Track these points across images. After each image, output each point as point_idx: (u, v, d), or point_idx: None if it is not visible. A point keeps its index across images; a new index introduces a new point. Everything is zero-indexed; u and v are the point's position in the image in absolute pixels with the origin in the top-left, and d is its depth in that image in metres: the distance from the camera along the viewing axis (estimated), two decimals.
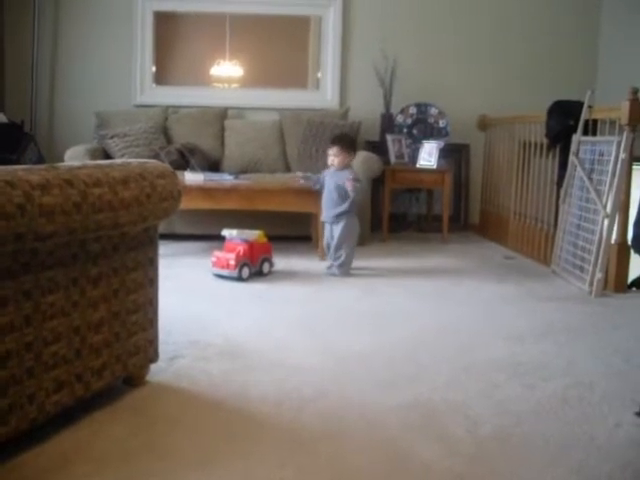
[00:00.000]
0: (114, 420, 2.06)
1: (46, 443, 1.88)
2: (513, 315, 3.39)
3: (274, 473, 1.77)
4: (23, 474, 1.73)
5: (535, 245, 4.91)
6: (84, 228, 1.86)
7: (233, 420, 2.09)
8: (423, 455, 1.88)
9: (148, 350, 2.31)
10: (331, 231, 4.29)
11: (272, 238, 4.26)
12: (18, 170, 1.73)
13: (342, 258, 4.22)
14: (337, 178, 4.23)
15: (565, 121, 4.46)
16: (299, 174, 5.10)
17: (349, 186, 4.15)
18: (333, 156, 4.25)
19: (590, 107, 4.32)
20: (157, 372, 2.42)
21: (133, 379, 2.30)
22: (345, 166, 4.27)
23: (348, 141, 4.36)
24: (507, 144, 5.68)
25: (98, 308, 2.03)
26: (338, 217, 4.24)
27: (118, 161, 2.15)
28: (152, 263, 2.29)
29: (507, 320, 3.30)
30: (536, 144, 5.05)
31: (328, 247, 4.33)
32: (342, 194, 4.23)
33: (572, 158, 4.33)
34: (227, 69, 6.36)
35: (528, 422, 2.12)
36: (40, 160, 5.39)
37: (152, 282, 2.30)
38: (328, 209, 4.29)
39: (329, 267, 4.28)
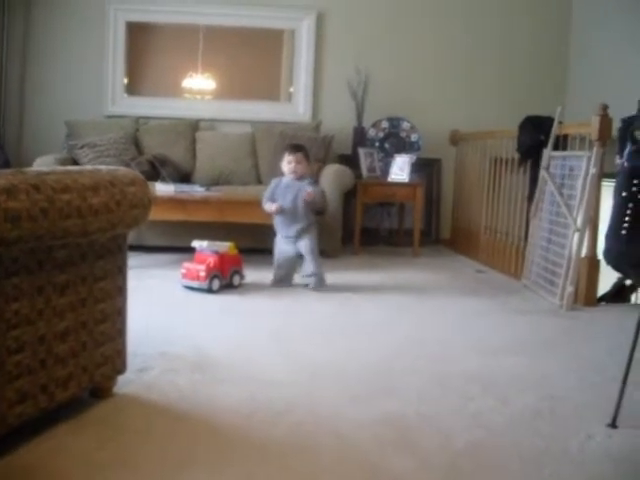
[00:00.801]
0: (79, 432, 2.01)
1: (7, 456, 1.81)
2: (486, 328, 3.39)
3: None
4: None
5: (506, 259, 4.93)
6: (51, 235, 1.81)
7: (202, 433, 2.05)
8: (396, 469, 1.85)
9: (116, 361, 2.25)
10: (295, 248, 4.07)
11: (243, 250, 4.21)
12: None
13: (318, 270, 4.07)
14: (296, 188, 4.03)
15: (536, 136, 4.49)
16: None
17: (308, 196, 3.98)
18: (296, 163, 4.04)
19: (560, 123, 4.36)
20: (125, 384, 2.36)
21: (100, 391, 2.24)
22: (305, 175, 4.11)
23: (307, 150, 4.22)
24: (478, 159, 5.71)
25: (65, 317, 1.98)
26: (304, 231, 4.06)
27: (88, 167, 2.11)
28: (121, 272, 2.25)
29: (480, 333, 3.29)
30: (507, 160, 5.08)
31: (283, 267, 4.10)
32: (304, 204, 4.06)
33: (543, 173, 4.36)
34: (199, 82, 6.32)
35: (501, 435, 2.11)
36: (7, 165, 5.30)
37: (121, 291, 2.25)
38: (289, 224, 4.06)
39: (308, 284, 4.08)
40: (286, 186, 4.06)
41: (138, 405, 2.25)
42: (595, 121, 3.88)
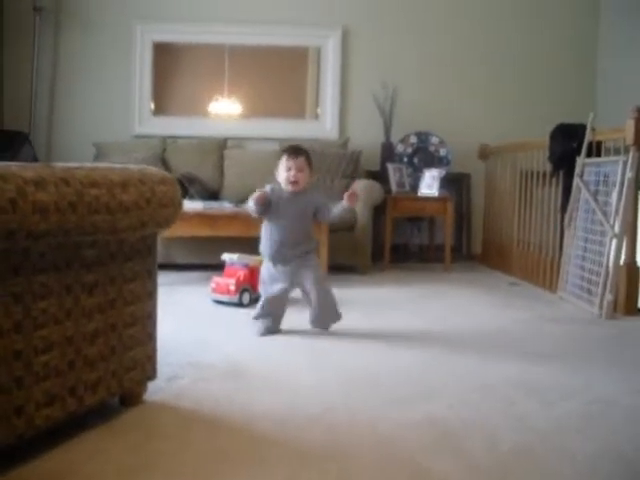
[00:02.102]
0: (109, 438, 1.94)
1: (36, 461, 1.75)
2: (523, 337, 3.29)
3: None
4: None
5: (540, 272, 4.81)
6: (80, 229, 1.76)
7: (237, 439, 1.97)
8: (440, 472, 1.76)
9: (146, 366, 2.19)
10: (292, 277, 3.24)
11: None
12: (12, 165, 1.64)
13: (332, 299, 3.30)
14: (300, 202, 3.23)
15: (568, 144, 4.40)
16: None
17: (352, 201, 3.21)
18: (296, 171, 3.17)
19: (593, 129, 4.27)
20: (155, 391, 2.30)
21: (130, 397, 2.18)
22: (307, 186, 3.28)
23: (309, 155, 3.29)
24: (509, 173, 5.62)
25: (93, 318, 1.92)
26: (305, 256, 3.25)
27: (117, 165, 2.06)
28: (151, 275, 2.19)
29: (517, 342, 3.18)
30: (538, 173, 4.99)
31: (272, 313, 3.25)
32: (308, 224, 3.29)
33: (576, 181, 4.26)
34: (225, 105, 6.31)
35: (550, 439, 2.00)
36: (35, 161, 5.29)
37: (151, 295, 2.19)
38: (284, 246, 3.21)
39: (314, 323, 3.32)
40: (288, 200, 3.23)
41: (170, 412, 2.18)
42: (630, 124, 3.79)
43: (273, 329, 3.24)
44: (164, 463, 1.79)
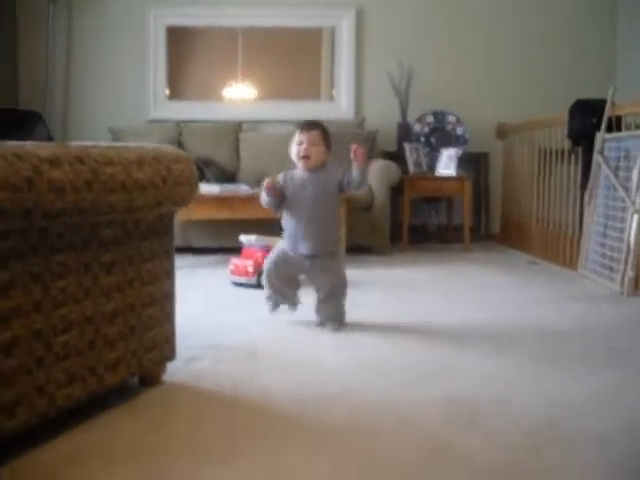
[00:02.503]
0: (129, 417, 1.94)
1: (57, 439, 1.76)
2: (545, 314, 3.25)
3: (303, 465, 1.64)
4: (32, 470, 1.60)
5: (560, 250, 4.77)
6: (96, 208, 1.76)
7: (256, 417, 1.96)
8: (464, 447, 1.74)
9: (165, 347, 2.18)
10: (309, 270, 2.94)
11: None
12: (26, 144, 1.63)
13: (340, 307, 2.98)
14: (318, 182, 2.86)
15: (587, 120, 4.34)
16: None
17: (358, 156, 2.77)
18: (309, 145, 2.81)
19: (613, 104, 4.20)
20: (174, 372, 2.29)
21: (149, 378, 2.17)
22: (324, 164, 2.90)
23: (326, 130, 2.94)
24: (527, 151, 5.56)
25: (112, 298, 1.92)
26: (329, 258, 2.92)
27: (131, 144, 2.05)
28: (168, 255, 2.18)
29: (538, 319, 3.15)
30: (557, 150, 4.93)
31: (287, 296, 3.04)
32: (330, 208, 2.92)
33: (596, 157, 4.20)
34: (240, 88, 6.28)
35: (581, 413, 1.98)
36: (49, 140, 5.28)
37: (169, 274, 2.19)
38: (307, 236, 2.87)
39: (320, 323, 2.99)
40: (303, 181, 2.87)
41: (189, 392, 2.18)
42: None
43: (285, 302, 3.05)
44: (183, 441, 1.78)
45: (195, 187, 2.16)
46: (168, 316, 2.19)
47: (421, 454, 1.71)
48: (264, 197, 2.92)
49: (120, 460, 1.66)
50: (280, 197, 2.91)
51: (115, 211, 1.83)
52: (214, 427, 1.88)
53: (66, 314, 1.75)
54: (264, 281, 3.05)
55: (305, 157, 2.85)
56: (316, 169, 2.88)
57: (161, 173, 1.98)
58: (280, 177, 2.94)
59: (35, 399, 1.66)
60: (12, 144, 1.58)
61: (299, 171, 2.91)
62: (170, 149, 2.12)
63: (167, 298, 2.18)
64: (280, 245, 3.01)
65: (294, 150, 2.89)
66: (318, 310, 2.99)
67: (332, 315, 2.95)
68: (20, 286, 1.61)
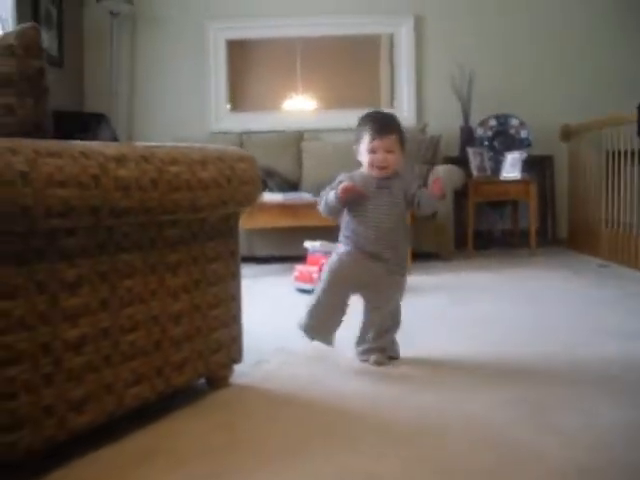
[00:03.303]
0: (197, 417, 1.93)
1: (125, 438, 1.75)
2: (618, 316, 3.13)
3: (374, 465, 1.60)
4: (101, 468, 1.60)
5: (632, 252, 4.61)
6: (161, 207, 1.75)
7: (325, 417, 1.93)
8: (535, 447, 1.67)
9: (231, 348, 2.17)
10: (376, 276, 2.43)
11: None
12: (93, 143, 1.64)
13: (390, 336, 2.51)
14: (392, 190, 2.42)
15: None
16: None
17: (437, 188, 2.37)
18: (385, 152, 2.38)
19: None
20: (242, 375, 2.28)
21: (216, 380, 2.16)
22: (399, 169, 2.47)
23: (402, 130, 2.48)
24: (594, 153, 5.41)
25: (178, 298, 1.91)
26: (398, 266, 2.46)
27: (195, 144, 2.05)
28: (234, 256, 2.17)
29: (612, 320, 3.04)
30: (625, 151, 4.79)
31: (327, 309, 2.50)
32: (402, 219, 2.48)
33: None
34: (300, 98, 6.31)
35: None
36: (114, 141, 5.37)
37: (234, 276, 2.18)
38: (380, 241, 2.41)
39: (364, 353, 2.49)
40: (375, 185, 2.42)
41: (257, 394, 2.15)
42: None
43: (325, 336, 2.54)
44: (251, 441, 1.76)
45: (259, 187, 2.15)
46: (234, 318, 2.18)
47: (493, 453, 1.65)
48: (333, 202, 2.42)
49: (188, 460, 1.64)
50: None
51: (180, 210, 1.83)
52: (281, 428, 1.85)
53: (133, 314, 1.75)
54: (309, 303, 2.53)
55: (382, 168, 2.40)
56: (389, 176, 2.42)
57: (225, 172, 1.97)
58: (345, 176, 2.48)
59: (103, 397, 1.66)
60: (79, 143, 1.60)
61: (369, 175, 2.43)
62: (234, 149, 2.12)
63: (233, 300, 2.17)
64: (339, 249, 2.50)
65: (366, 157, 2.42)
66: (365, 338, 2.50)
67: (386, 341, 2.48)
68: (87, 284, 1.62)
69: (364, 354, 2.49)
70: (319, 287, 2.49)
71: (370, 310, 2.50)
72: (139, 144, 1.81)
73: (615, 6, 6.05)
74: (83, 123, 5.07)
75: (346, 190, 2.36)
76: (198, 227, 1.99)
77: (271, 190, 5.16)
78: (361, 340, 2.51)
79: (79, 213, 1.53)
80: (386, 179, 2.42)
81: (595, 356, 2.46)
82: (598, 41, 6.06)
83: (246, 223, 4.49)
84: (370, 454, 1.66)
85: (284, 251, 5.06)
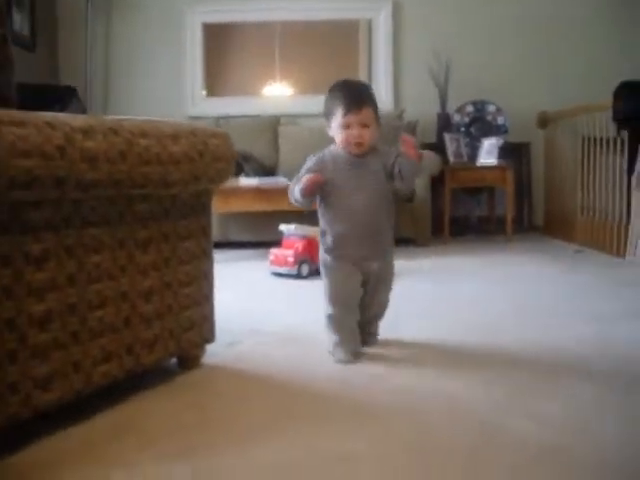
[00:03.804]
0: (167, 397, 1.90)
1: (94, 417, 1.72)
2: (594, 299, 3.13)
3: (343, 445, 1.57)
4: (70, 446, 1.56)
5: (607, 238, 4.63)
6: (130, 181, 1.72)
7: (297, 397, 1.90)
8: (513, 429, 1.65)
9: (203, 327, 2.14)
10: (363, 281, 2.27)
11: None
12: (59, 114, 1.60)
13: (379, 320, 2.43)
14: (370, 167, 2.21)
15: (634, 102, 4.21)
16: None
17: (408, 147, 2.14)
18: (359, 127, 2.16)
19: None
20: (213, 355, 2.25)
21: (188, 360, 2.13)
22: (375, 144, 2.24)
23: (375, 99, 2.25)
24: (570, 140, 5.42)
25: (148, 275, 1.88)
26: (384, 252, 2.30)
27: (167, 119, 2.01)
28: (206, 233, 2.14)
29: (588, 304, 3.03)
30: (601, 139, 4.80)
31: (348, 322, 2.27)
32: (385, 199, 2.25)
33: None
34: (278, 83, 6.26)
35: (633, 394, 1.88)
36: (84, 113, 5.26)
37: (206, 254, 2.14)
38: (356, 241, 2.22)
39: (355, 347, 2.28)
40: (349, 165, 2.21)
41: (229, 374, 2.13)
42: None
43: (357, 346, 2.31)
44: (221, 420, 1.73)
45: (232, 164, 2.11)
46: (206, 297, 2.15)
47: (469, 435, 1.63)
48: (297, 195, 2.23)
49: (158, 438, 1.61)
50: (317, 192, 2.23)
51: (150, 184, 1.79)
52: (252, 407, 1.83)
53: (101, 289, 1.71)
54: (327, 321, 2.29)
55: (358, 144, 2.18)
56: (366, 152, 2.21)
57: (197, 147, 1.94)
58: (314, 160, 2.28)
59: (71, 375, 1.63)
60: (44, 113, 1.55)
61: (343, 152, 2.23)
62: (206, 125, 2.08)
63: (205, 278, 2.14)
64: (323, 257, 2.28)
65: (339, 134, 2.20)
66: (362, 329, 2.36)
67: (376, 327, 2.44)
68: (54, 258, 1.58)
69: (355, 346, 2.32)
70: (329, 311, 2.26)
71: (363, 301, 2.32)
72: (107, 117, 1.77)
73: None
74: (51, 96, 4.92)
75: (310, 186, 2.16)
76: (169, 203, 1.96)
77: (247, 174, 5.11)
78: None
79: (44, 184, 1.49)
80: (361, 156, 2.21)
81: (572, 339, 2.45)
82: (576, 27, 6.04)
83: (221, 207, 4.45)
84: (341, 433, 1.64)
85: (260, 236, 5.02)
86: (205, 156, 1.96)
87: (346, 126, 2.19)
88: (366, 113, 2.18)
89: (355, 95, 2.21)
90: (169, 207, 1.96)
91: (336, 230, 2.23)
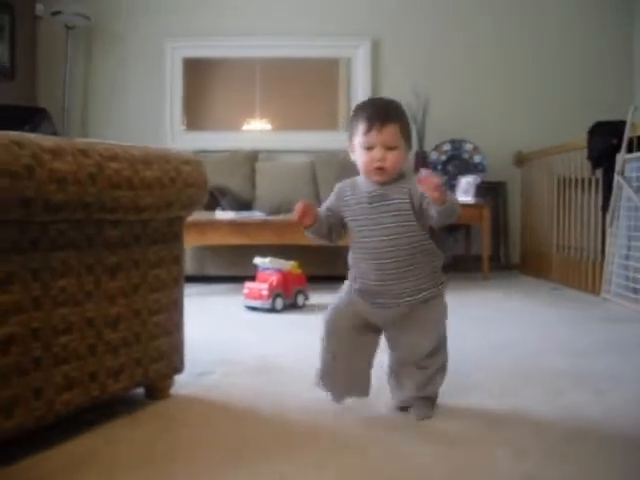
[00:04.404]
0: (136, 426, 1.85)
1: (57, 446, 1.67)
2: (570, 334, 3.13)
3: (313, 474, 1.54)
4: (29, 477, 1.51)
5: (582, 276, 4.65)
6: (100, 204, 1.69)
7: (265, 428, 1.86)
8: (489, 459, 1.63)
9: (172, 357, 2.09)
10: (391, 328, 1.97)
11: (308, 278, 3.99)
12: (29, 135, 1.58)
13: (434, 381, 1.97)
14: (394, 198, 1.87)
15: (607, 141, 4.26)
16: None
17: (428, 186, 1.73)
18: (383, 149, 1.84)
19: (633, 124, 4.12)
20: (184, 386, 2.20)
21: (156, 391, 2.08)
22: (401, 171, 1.91)
23: (406, 117, 1.92)
24: (546, 179, 5.48)
25: (115, 302, 1.84)
26: (411, 290, 1.91)
27: (138, 144, 1.99)
28: (178, 262, 2.11)
29: (564, 338, 3.04)
30: (576, 179, 4.86)
31: (353, 377, 2.01)
32: (415, 233, 1.88)
33: (617, 178, 4.11)
34: (257, 119, 6.29)
35: (602, 425, 1.87)
36: (55, 135, 5.22)
37: (177, 282, 2.11)
38: (382, 280, 1.90)
39: (402, 405, 1.99)
40: (371, 195, 1.89)
41: (198, 404, 2.08)
42: None
43: (355, 390, 2.02)
44: (188, 451, 1.69)
45: (204, 189, 2.09)
46: (176, 326, 2.11)
47: (444, 463, 1.60)
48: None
49: (122, 469, 1.57)
50: (323, 221, 1.97)
51: (121, 209, 1.77)
52: (221, 437, 1.79)
53: (67, 314, 1.67)
54: (321, 351, 2.02)
55: (380, 170, 1.85)
56: (389, 181, 1.89)
57: (169, 173, 1.92)
58: (335, 190, 2.01)
59: (32, 401, 1.58)
60: (13, 132, 1.53)
61: (365, 181, 1.93)
62: (179, 151, 2.06)
63: (175, 307, 2.10)
64: (345, 289, 2.02)
65: (361, 157, 1.88)
66: (396, 379, 2.01)
67: (429, 389, 1.96)
68: (19, 281, 1.54)
69: (402, 400, 1.99)
70: (320, 344, 2.02)
71: (393, 353, 2.00)
72: (78, 139, 1.75)
73: (569, 34, 6.16)
74: (22, 117, 4.86)
75: (300, 218, 1.94)
76: (140, 229, 1.93)
77: (224, 209, 5.09)
78: (395, 377, 2.01)
79: (10, 205, 1.46)
80: (385, 186, 1.87)
81: (545, 371, 2.44)
82: (552, 69, 6.14)
83: (197, 240, 4.43)
84: (310, 463, 1.60)
85: (235, 271, 4.98)
86: (177, 182, 1.94)
87: (367, 147, 1.86)
88: (390, 131, 1.83)
89: (379, 110, 1.87)
90: (140, 233, 1.93)
91: (359, 273, 1.95)
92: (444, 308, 1.99)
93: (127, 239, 1.88)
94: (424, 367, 1.93)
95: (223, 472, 1.55)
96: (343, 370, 1.97)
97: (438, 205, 1.77)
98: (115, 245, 1.84)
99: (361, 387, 2.00)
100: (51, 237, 1.63)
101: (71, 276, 1.69)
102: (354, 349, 1.97)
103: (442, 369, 1.97)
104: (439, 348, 1.96)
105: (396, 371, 1.99)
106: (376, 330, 1.98)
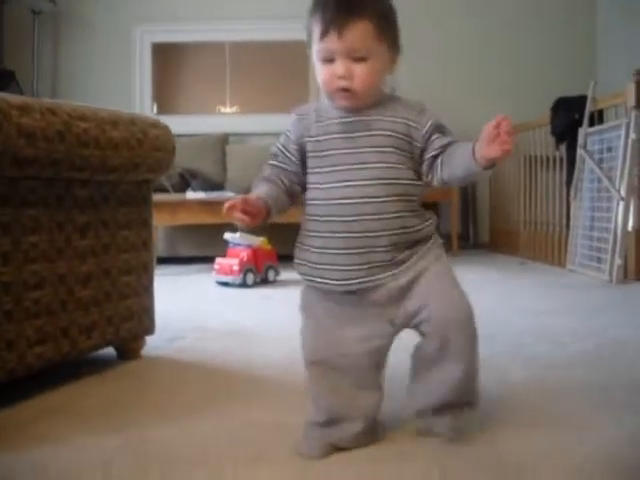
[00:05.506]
0: (103, 382, 1.89)
1: (30, 398, 1.71)
2: (535, 298, 3.24)
3: (283, 417, 1.59)
4: (1, 425, 1.55)
5: (549, 250, 4.75)
6: (69, 162, 1.73)
7: (236, 381, 1.91)
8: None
9: (143, 318, 2.13)
10: (386, 313, 1.40)
11: (280, 257, 4.02)
12: None
13: (470, 379, 1.42)
14: (369, 128, 1.34)
15: (570, 116, 4.36)
16: None
17: (502, 141, 1.26)
18: (350, 60, 1.28)
19: (594, 99, 4.22)
20: (154, 349, 2.25)
21: (127, 350, 2.12)
22: (382, 94, 1.37)
23: (383, 8, 1.33)
24: (512, 158, 5.56)
25: (86, 261, 1.88)
26: (416, 257, 1.41)
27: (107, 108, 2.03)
28: (146, 225, 2.15)
29: (529, 302, 3.14)
30: (540, 157, 4.95)
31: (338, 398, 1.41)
32: (397, 179, 1.35)
33: (580, 152, 4.21)
34: (228, 102, 6.31)
35: (562, 371, 1.94)
36: None
37: (146, 245, 2.15)
38: (349, 248, 1.33)
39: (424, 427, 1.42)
40: (332, 128, 1.37)
41: (169, 364, 2.12)
42: (630, 88, 3.75)
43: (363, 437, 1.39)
44: (158, 400, 1.73)
45: (172, 153, 2.13)
46: (146, 288, 2.15)
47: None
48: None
49: (89, 417, 1.61)
50: (266, 211, 1.40)
51: (89, 168, 1.80)
52: (190, 389, 1.83)
53: (38, 270, 1.71)
54: (308, 396, 1.46)
55: (344, 91, 1.31)
56: (370, 104, 1.36)
57: (136, 135, 1.96)
58: (292, 121, 1.44)
59: (4, 353, 1.61)
60: None
61: (332, 108, 1.38)
62: (147, 115, 2.10)
63: (144, 269, 2.14)
64: (304, 289, 1.49)
65: (322, 73, 1.32)
66: (424, 397, 1.44)
67: (461, 384, 1.40)
68: None
69: (425, 418, 1.44)
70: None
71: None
72: (46, 99, 1.78)
73: (531, 13, 6.23)
74: None
75: (230, 212, 1.33)
76: (109, 190, 1.97)
77: (194, 190, 5.12)
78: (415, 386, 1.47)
79: None
80: (360, 113, 1.35)
81: (509, 330, 2.51)
82: (514, 45, 6.20)
83: (168, 220, 4.46)
84: (278, 409, 1.65)
85: (207, 251, 5.01)
86: (144, 144, 1.98)
87: (325, 59, 1.31)
88: (356, 33, 1.26)
89: (342, 3, 1.27)
90: (108, 194, 1.97)
91: (319, 237, 1.37)
92: (441, 252, 1.49)
93: (96, 199, 1.92)
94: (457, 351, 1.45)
95: (192, 418, 1.59)
96: (338, 403, 1.43)
97: (483, 165, 1.30)
98: (85, 205, 1.88)
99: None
100: (21, 194, 1.66)
101: (42, 233, 1.73)
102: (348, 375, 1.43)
103: (471, 358, 1.47)
104: (467, 326, 1.47)
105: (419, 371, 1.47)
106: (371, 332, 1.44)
